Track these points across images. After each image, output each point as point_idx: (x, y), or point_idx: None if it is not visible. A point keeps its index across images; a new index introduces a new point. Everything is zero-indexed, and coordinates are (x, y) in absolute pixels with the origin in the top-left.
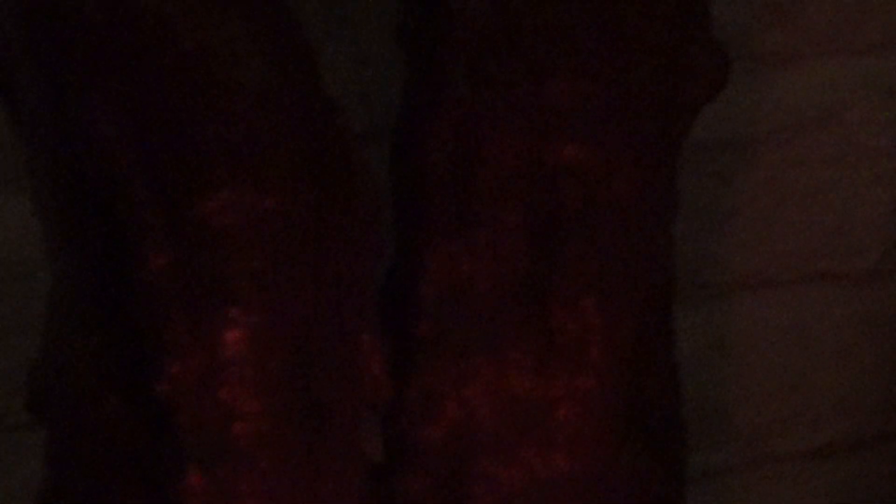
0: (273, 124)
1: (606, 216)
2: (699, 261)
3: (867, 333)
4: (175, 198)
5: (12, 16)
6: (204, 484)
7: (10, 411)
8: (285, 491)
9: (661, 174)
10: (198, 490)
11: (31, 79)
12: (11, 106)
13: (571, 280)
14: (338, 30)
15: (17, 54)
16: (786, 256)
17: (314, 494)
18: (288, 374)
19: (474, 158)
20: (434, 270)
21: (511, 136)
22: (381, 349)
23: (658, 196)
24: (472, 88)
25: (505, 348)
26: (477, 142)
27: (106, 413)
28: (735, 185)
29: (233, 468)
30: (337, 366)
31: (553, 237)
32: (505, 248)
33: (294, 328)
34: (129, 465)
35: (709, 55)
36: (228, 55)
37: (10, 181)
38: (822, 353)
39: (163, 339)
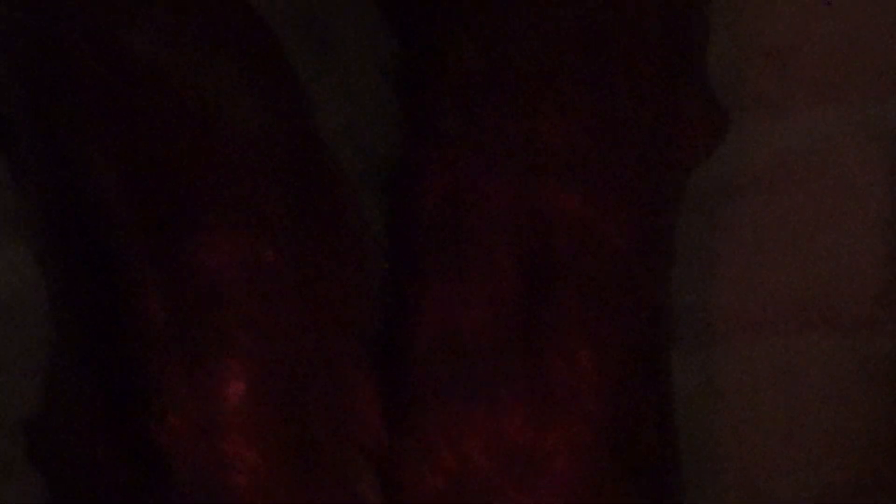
0: (267, 169)
1: (598, 263)
2: (692, 305)
3: (861, 378)
4: (169, 244)
5: (10, 66)
6: None
7: (15, 458)
8: None
9: (656, 222)
10: None
11: (28, 129)
12: (10, 156)
13: (566, 329)
14: (329, 71)
15: (15, 104)
16: (779, 301)
17: None
18: (285, 422)
19: (467, 201)
20: (428, 317)
21: (503, 179)
22: (376, 396)
23: (653, 244)
24: (464, 130)
25: (500, 397)
26: (469, 184)
27: (105, 463)
28: (728, 230)
29: None
30: (333, 413)
31: (547, 284)
32: (498, 296)
33: (291, 377)
34: None
35: (704, 105)
36: (222, 101)
37: (9, 224)
38: (816, 398)
39: (162, 391)
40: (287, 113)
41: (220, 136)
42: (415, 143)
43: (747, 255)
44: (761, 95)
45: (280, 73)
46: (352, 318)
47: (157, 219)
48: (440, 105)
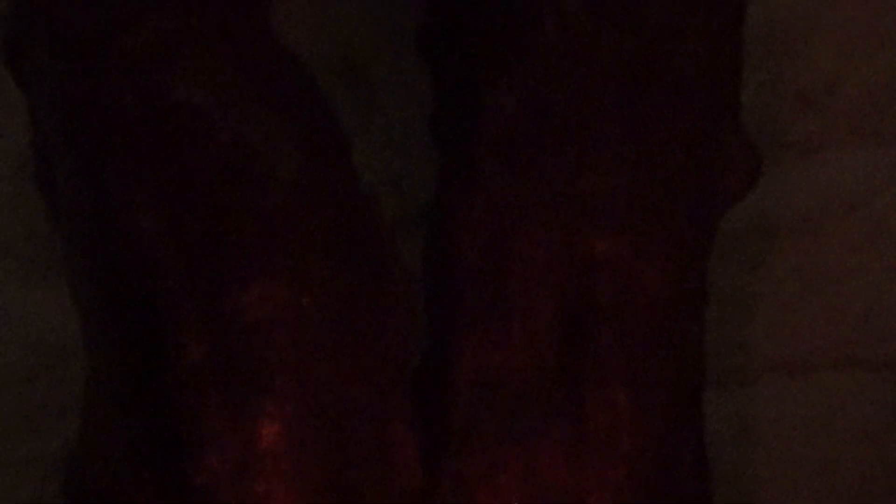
0: (308, 216)
1: (638, 308)
2: (727, 346)
3: (893, 422)
4: (211, 290)
5: (52, 109)
6: None
7: (46, 495)
8: None
9: (693, 266)
10: None
11: (69, 171)
12: (50, 198)
13: (603, 370)
14: (370, 119)
15: (57, 147)
16: (813, 342)
17: None
18: (322, 463)
19: (506, 249)
20: (466, 360)
21: (543, 229)
22: (413, 438)
23: (690, 287)
24: (504, 180)
25: (537, 438)
26: (509, 233)
27: (141, 502)
28: (763, 272)
29: None
30: (370, 454)
31: (585, 328)
32: (537, 339)
33: (329, 418)
34: None
35: (740, 148)
36: (264, 148)
37: (47, 269)
38: (850, 440)
39: (200, 431)
40: (329, 162)
41: (263, 184)
42: (454, 188)
43: (782, 296)
44: (797, 137)
45: (323, 122)
46: (390, 361)
47: (197, 264)
48: (480, 151)
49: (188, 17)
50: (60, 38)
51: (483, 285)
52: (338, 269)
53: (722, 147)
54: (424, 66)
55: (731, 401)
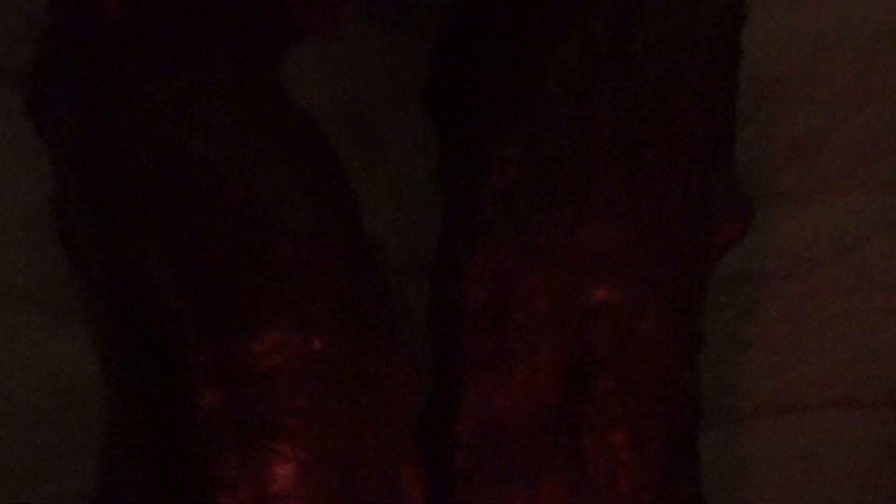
0: (318, 266)
1: (636, 354)
2: (721, 387)
3: (883, 458)
4: (225, 338)
5: (71, 161)
6: None
7: None
8: None
9: (688, 313)
10: None
11: (87, 223)
12: (69, 246)
13: (602, 415)
14: (377, 171)
15: (75, 198)
16: (803, 384)
17: None
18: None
19: (509, 298)
20: (470, 405)
21: (544, 278)
22: (421, 479)
23: (686, 333)
24: (507, 231)
25: (538, 479)
26: (511, 282)
27: None
28: (755, 316)
29: None
30: (379, 495)
31: (585, 374)
32: (538, 385)
33: (339, 461)
34: None
35: (733, 198)
36: (275, 201)
37: (67, 314)
38: (840, 475)
39: (215, 473)
40: (338, 213)
41: (274, 235)
42: (458, 238)
43: (773, 339)
44: (787, 186)
45: (332, 174)
46: (397, 405)
47: (212, 313)
48: (483, 202)
49: (202, 75)
50: (81, 94)
51: (486, 332)
52: (347, 317)
53: (716, 197)
54: (428, 120)
55: (726, 440)
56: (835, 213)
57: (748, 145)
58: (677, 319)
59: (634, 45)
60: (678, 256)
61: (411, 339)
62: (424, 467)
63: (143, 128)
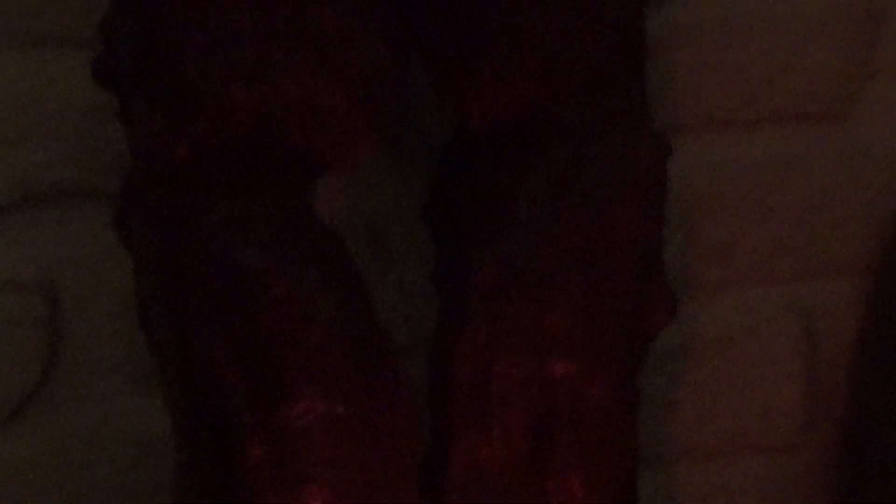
0: (340, 347)
1: (589, 414)
2: (654, 438)
3: (785, 492)
4: (268, 405)
5: (148, 268)
6: None
7: None
8: None
9: (630, 381)
10: None
11: (160, 315)
12: (147, 331)
13: (561, 462)
14: (387, 271)
15: (151, 296)
16: (720, 434)
17: None
18: None
19: (489, 374)
20: (460, 455)
21: (516, 357)
22: None
23: (628, 397)
24: (487, 321)
25: None
26: (490, 360)
27: None
28: (681, 382)
29: None
30: None
31: (549, 431)
32: (512, 439)
33: (358, 500)
34: None
35: (663, 291)
36: (307, 297)
37: (147, 382)
38: None
39: None
40: (355, 305)
41: (306, 323)
42: (449, 326)
43: (696, 400)
44: (708, 280)
45: (349, 273)
46: (402, 456)
47: (257, 385)
48: (469, 298)
49: (249, 202)
50: (156, 216)
51: (471, 399)
52: (363, 387)
53: (649, 292)
54: (428, 231)
55: (660, 480)
56: (745, 301)
57: (677, 248)
58: (621, 386)
59: (588, 173)
60: (621, 338)
61: (413, 403)
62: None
63: (204, 243)
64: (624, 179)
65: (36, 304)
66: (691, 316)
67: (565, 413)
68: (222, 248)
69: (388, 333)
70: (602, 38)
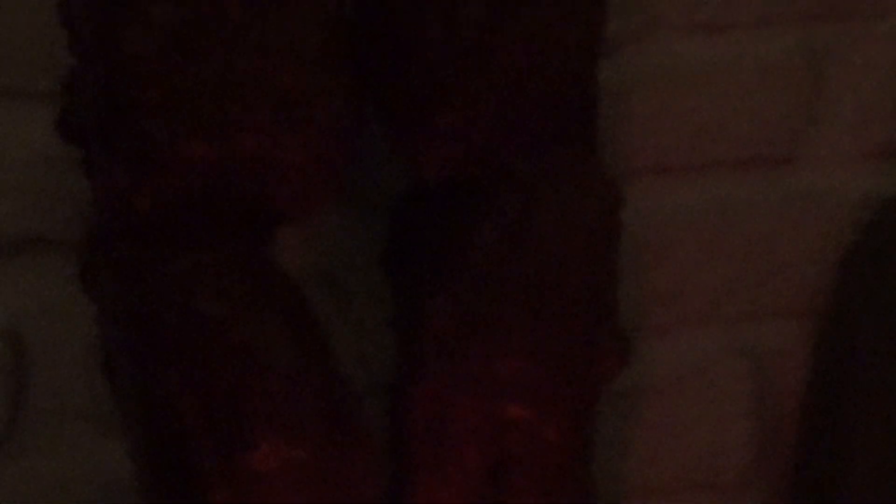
0: (300, 392)
1: (543, 455)
2: (608, 475)
3: None
4: (230, 449)
5: (111, 317)
6: None
7: None
8: None
9: (583, 423)
10: None
11: (123, 361)
12: (111, 379)
13: (516, 501)
14: (346, 317)
15: (115, 344)
16: (670, 471)
17: None
18: None
19: (444, 417)
20: (418, 495)
21: (471, 401)
22: None
23: (580, 437)
24: (442, 365)
25: None
26: (446, 404)
27: None
28: (633, 422)
29: None
30: None
31: (504, 475)
32: (468, 481)
33: None
34: None
35: (616, 339)
36: (265, 345)
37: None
38: None
39: None
40: (314, 349)
41: (265, 370)
42: (406, 370)
43: (647, 439)
44: (658, 322)
45: (308, 320)
46: (362, 495)
47: (219, 432)
48: (424, 343)
49: (210, 252)
50: (119, 267)
51: (429, 442)
52: (323, 431)
53: (601, 337)
54: (386, 278)
55: None
56: (694, 342)
57: (628, 291)
58: (574, 428)
59: (539, 223)
60: (574, 382)
61: (373, 445)
62: None
63: (166, 293)
64: (574, 228)
65: (2, 353)
66: (643, 357)
67: (520, 455)
68: (183, 298)
69: (347, 378)
70: (553, 91)
